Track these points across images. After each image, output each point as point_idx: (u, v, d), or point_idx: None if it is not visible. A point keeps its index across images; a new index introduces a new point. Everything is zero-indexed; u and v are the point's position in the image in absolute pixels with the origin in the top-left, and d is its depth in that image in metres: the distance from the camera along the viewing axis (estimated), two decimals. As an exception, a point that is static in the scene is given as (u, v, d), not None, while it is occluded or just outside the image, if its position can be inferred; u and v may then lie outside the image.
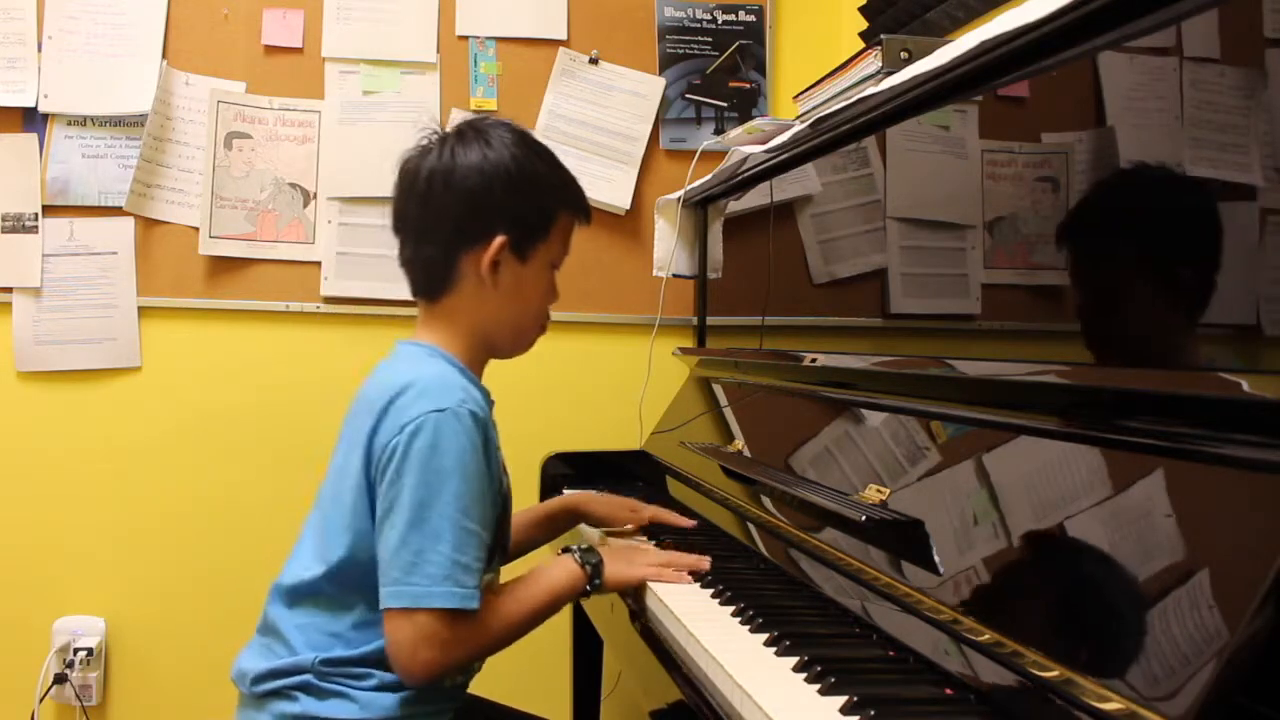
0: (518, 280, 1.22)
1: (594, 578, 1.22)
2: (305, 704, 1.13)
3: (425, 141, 1.24)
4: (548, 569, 1.24)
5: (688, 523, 1.53)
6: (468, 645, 1.11)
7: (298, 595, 1.18)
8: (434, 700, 1.19)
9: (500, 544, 1.26)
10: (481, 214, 1.20)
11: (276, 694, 1.15)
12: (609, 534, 1.56)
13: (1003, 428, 1.03)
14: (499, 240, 1.19)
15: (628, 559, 1.27)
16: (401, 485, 1.09)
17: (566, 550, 1.25)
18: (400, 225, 1.25)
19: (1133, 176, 0.94)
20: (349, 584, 1.15)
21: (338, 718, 1.12)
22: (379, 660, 1.14)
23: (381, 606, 1.09)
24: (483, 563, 1.12)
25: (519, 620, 1.17)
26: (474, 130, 1.23)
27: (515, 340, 1.28)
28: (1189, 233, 0.87)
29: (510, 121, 1.27)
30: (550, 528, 1.60)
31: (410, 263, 1.25)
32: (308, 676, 1.13)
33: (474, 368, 1.25)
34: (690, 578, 1.24)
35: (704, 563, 1.27)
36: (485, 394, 1.24)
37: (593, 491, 1.67)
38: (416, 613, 1.07)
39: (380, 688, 1.14)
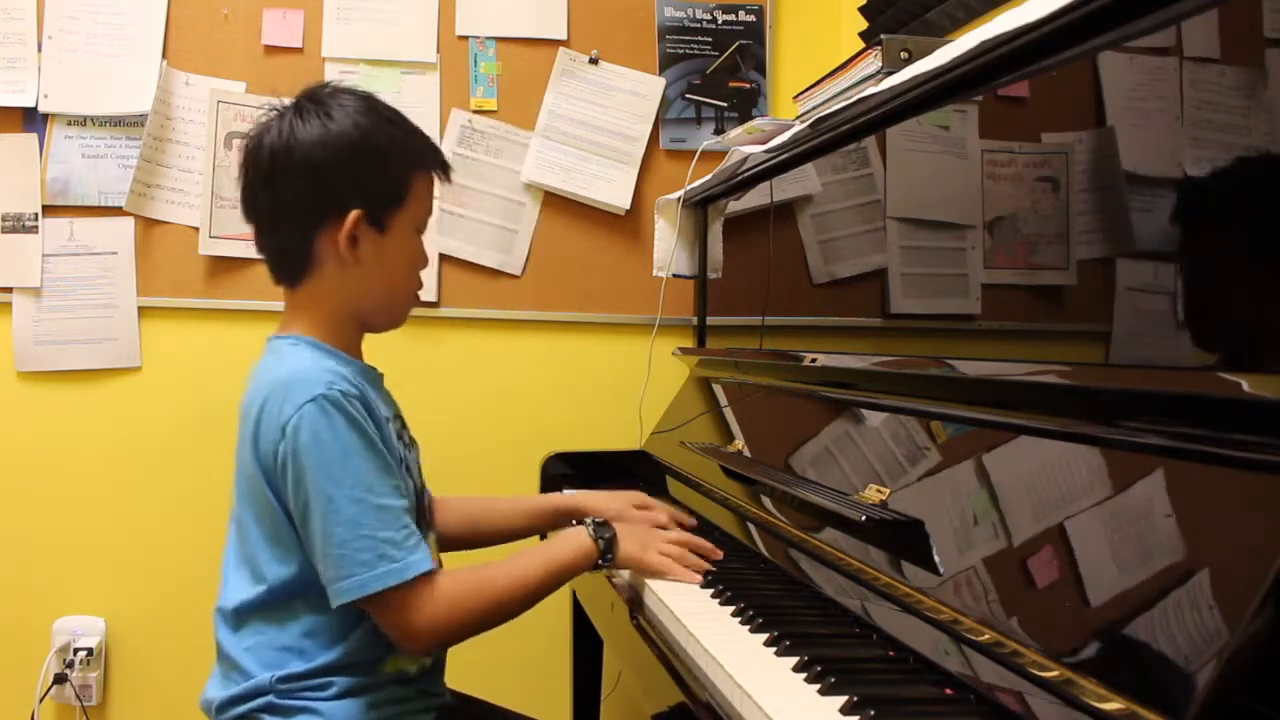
0: (380, 252, 1.17)
1: (606, 553, 1.20)
2: None
3: (264, 119, 1.18)
4: (558, 537, 1.23)
5: (688, 521, 1.53)
6: (455, 605, 1.09)
7: (241, 615, 1.15)
8: (403, 698, 1.17)
9: (420, 517, 1.22)
10: (330, 191, 1.14)
11: (241, 719, 1.13)
12: None
13: (1003, 428, 1.03)
14: (353, 215, 1.14)
15: (643, 541, 1.25)
16: (304, 486, 1.07)
17: (580, 522, 1.24)
18: (249, 211, 1.19)
19: (1132, 176, 0.94)
20: (289, 594, 1.12)
21: None
22: (336, 668, 1.12)
23: (333, 605, 1.08)
24: (410, 530, 1.09)
25: (525, 586, 1.15)
26: (312, 102, 1.17)
27: (388, 312, 1.24)
28: (1188, 233, 0.87)
29: (351, 86, 1.21)
30: (542, 524, 1.56)
31: (265, 249, 1.20)
32: (269, 698, 1.11)
33: (347, 347, 1.21)
34: (700, 577, 1.22)
35: (716, 552, 1.26)
36: (365, 369, 1.21)
37: (593, 491, 1.64)
38: (377, 600, 1.07)
39: (343, 694, 1.12)
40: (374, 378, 1.23)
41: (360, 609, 1.10)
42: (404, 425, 1.26)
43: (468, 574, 1.14)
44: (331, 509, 1.06)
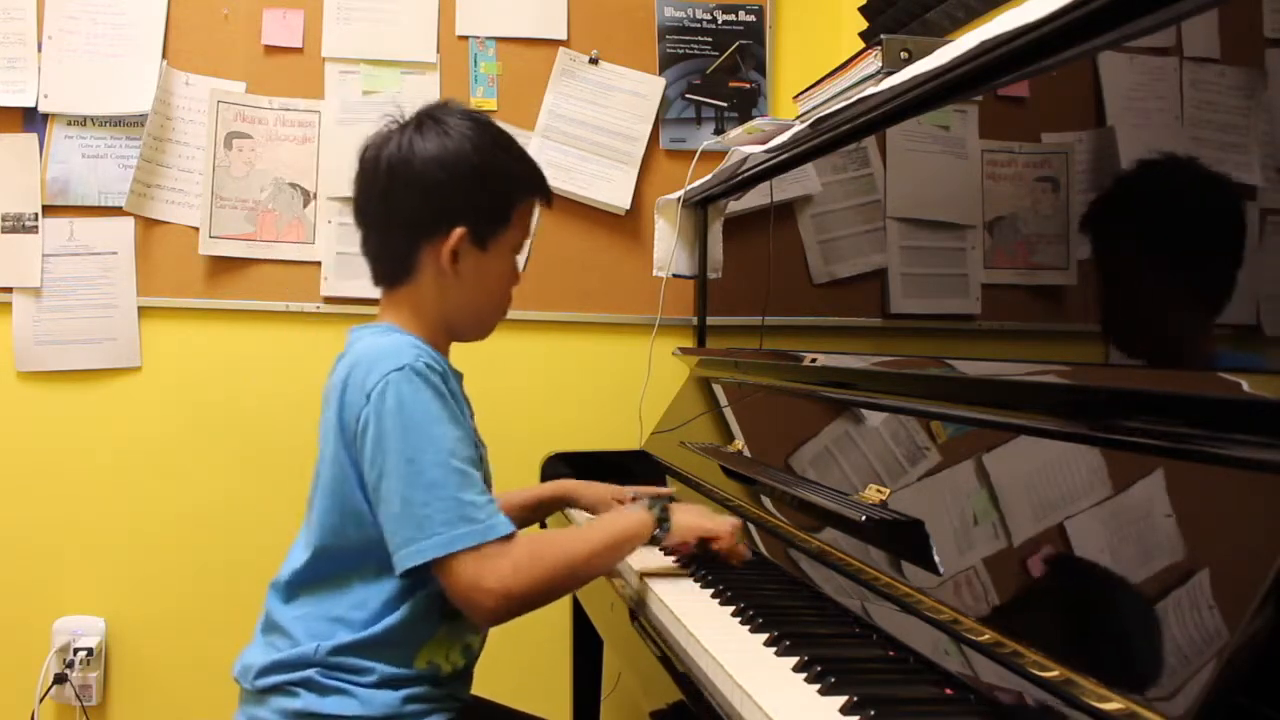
0: (479, 268, 1.23)
1: (662, 520, 1.23)
2: (306, 700, 1.13)
3: (385, 130, 1.24)
4: (615, 513, 1.27)
5: (666, 491, 1.58)
6: (532, 574, 1.10)
7: (293, 587, 1.18)
8: (434, 698, 1.19)
9: None
10: (441, 207, 1.20)
11: (278, 689, 1.15)
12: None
13: (1003, 428, 1.03)
14: (459, 232, 1.19)
15: (697, 512, 1.29)
16: (385, 450, 1.09)
17: (634, 499, 1.28)
18: (361, 217, 1.26)
19: (1132, 176, 0.94)
20: (341, 563, 1.15)
21: (338, 714, 1.12)
22: (383, 646, 1.14)
23: (400, 570, 1.09)
24: (488, 496, 1.12)
25: (589, 555, 1.16)
26: (432, 119, 1.22)
27: (477, 325, 1.29)
28: (1189, 233, 0.87)
29: (469, 108, 1.26)
30: (540, 511, 1.63)
31: (372, 253, 1.26)
32: (311, 672, 1.13)
33: (436, 347, 1.24)
34: (749, 554, 1.27)
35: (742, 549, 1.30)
36: (449, 365, 1.24)
37: (581, 481, 1.68)
38: (456, 558, 1.07)
39: (381, 684, 1.14)
40: (458, 378, 1.26)
41: (414, 582, 1.12)
42: (477, 427, 1.29)
43: (537, 541, 1.16)
44: (413, 471, 1.08)
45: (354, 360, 1.16)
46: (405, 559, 1.08)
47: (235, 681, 1.21)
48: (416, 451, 1.09)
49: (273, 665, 1.15)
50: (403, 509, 1.08)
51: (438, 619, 1.18)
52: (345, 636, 1.14)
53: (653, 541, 1.24)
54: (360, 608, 1.14)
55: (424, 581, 1.13)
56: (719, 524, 1.28)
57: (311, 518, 1.19)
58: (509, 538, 1.10)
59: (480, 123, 1.24)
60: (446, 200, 1.20)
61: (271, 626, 1.19)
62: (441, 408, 1.12)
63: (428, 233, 1.20)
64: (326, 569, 1.16)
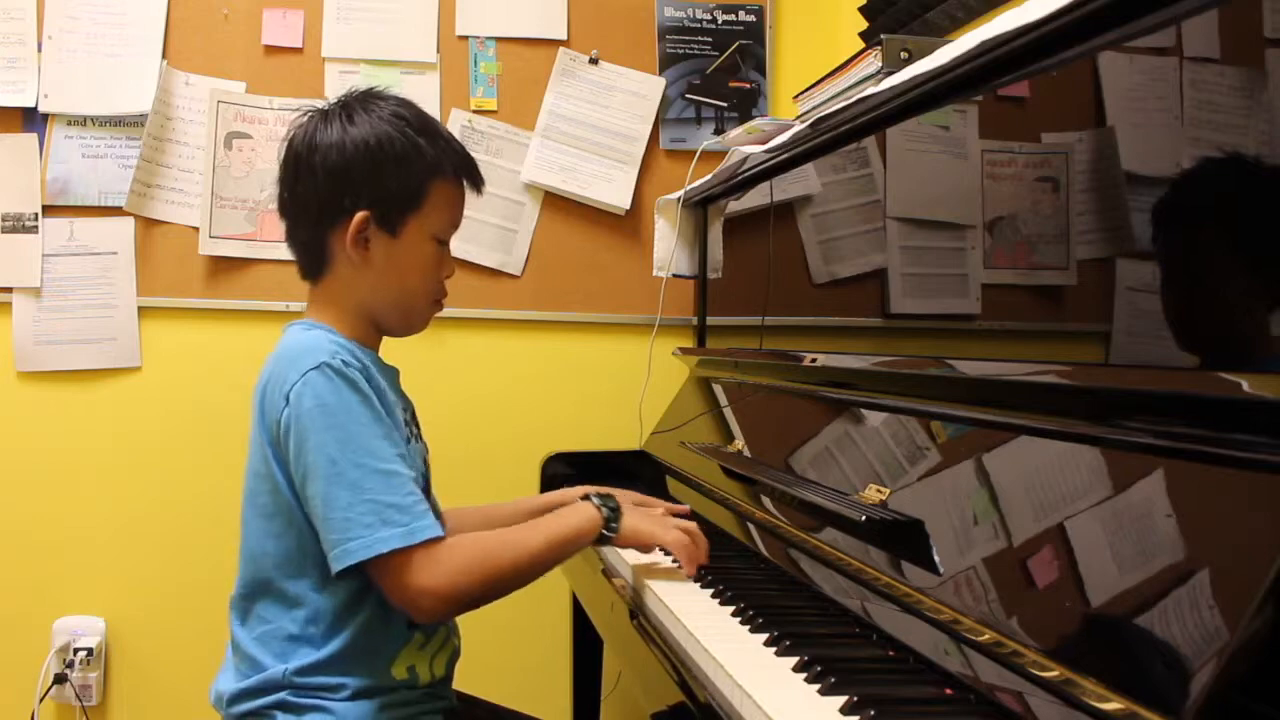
0: (390, 255, 1.20)
1: (610, 522, 1.21)
2: None
3: (299, 121, 1.23)
4: (563, 510, 1.24)
5: (683, 510, 1.55)
6: (463, 571, 1.08)
7: (245, 603, 1.16)
8: (413, 701, 1.17)
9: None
10: (341, 191, 1.18)
11: (253, 714, 1.13)
12: None
13: (1003, 428, 1.03)
14: (360, 215, 1.17)
15: (647, 514, 1.27)
16: (306, 450, 1.08)
17: (585, 497, 1.24)
18: (280, 208, 1.25)
19: (1132, 176, 0.94)
20: (289, 573, 1.13)
21: None
22: (350, 662, 1.12)
23: (334, 571, 1.07)
24: (416, 496, 1.09)
25: (528, 552, 1.14)
26: (341, 107, 1.21)
27: (402, 316, 1.25)
28: (1188, 232, 0.87)
29: (389, 93, 1.24)
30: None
31: (290, 244, 1.25)
32: (283, 694, 1.11)
33: (363, 342, 1.22)
34: (693, 570, 1.23)
35: (700, 556, 1.25)
36: (379, 363, 1.22)
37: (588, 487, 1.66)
38: (383, 563, 1.06)
39: (355, 696, 1.12)
40: (389, 374, 1.24)
41: (363, 585, 1.11)
42: (418, 426, 1.27)
43: (472, 540, 1.14)
44: (335, 472, 1.07)
45: (275, 360, 1.15)
46: (335, 560, 1.07)
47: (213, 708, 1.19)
48: (337, 451, 1.07)
49: (242, 693, 1.13)
50: (325, 510, 1.07)
51: (406, 624, 1.16)
52: (309, 655, 1.12)
53: (600, 541, 1.21)
54: (314, 622, 1.12)
55: (370, 584, 1.11)
56: (670, 537, 1.24)
57: (244, 529, 1.17)
58: (435, 540, 1.08)
59: (395, 105, 1.22)
60: (344, 184, 1.17)
61: (236, 648, 1.17)
62: (361, 405, 1.10)
63: (331, 219, 1.18)
64: (269, 577, 1.14)
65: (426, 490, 1.24)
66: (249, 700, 1.13)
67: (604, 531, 1.21)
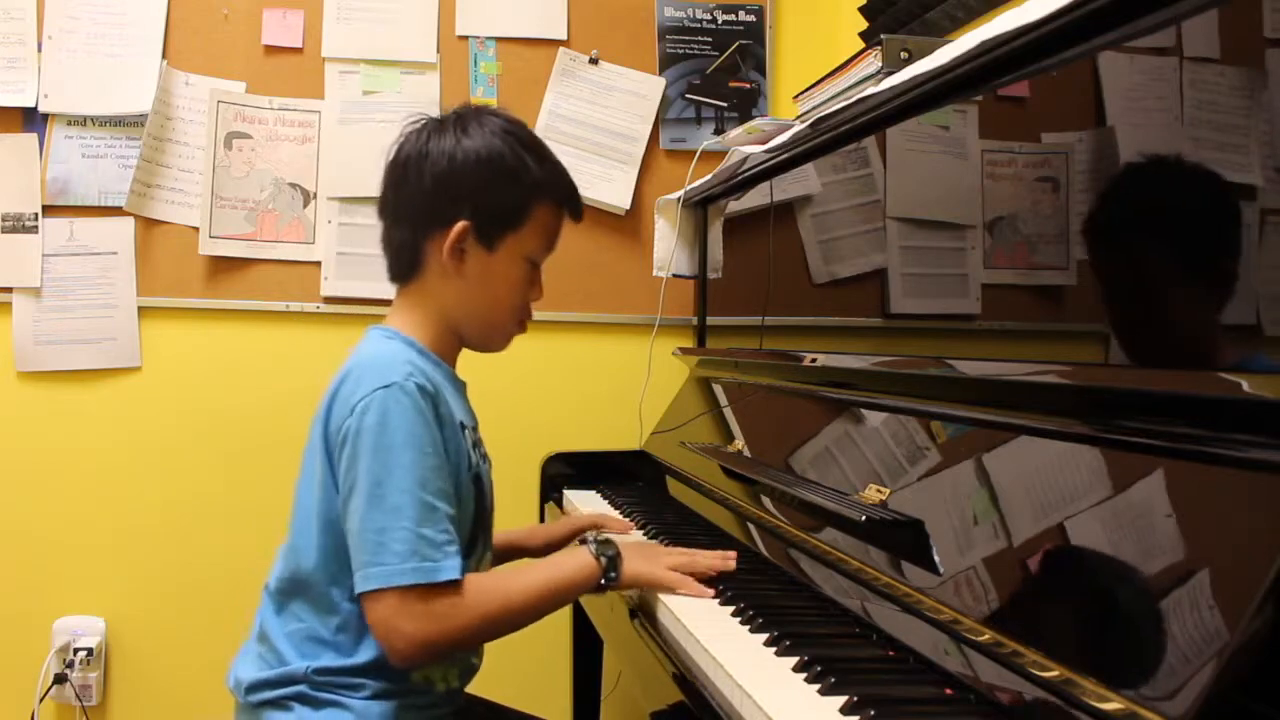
0: (484, 269, 1.21)
1: (609, 570, 1.17)
2: (300, 713, 1.12)
3: (412, 128, 1.25)
4: (558, 556, 1.22)
5: (625, 527, 1.51)
6: (452, 620, 1.07)
7: (283, 596, 1.17)
8: (429, 706, 1.18)
9: (481, 528, 1.23)
10: (446, 198, 1.19)
11: (271, 703, 1.14)
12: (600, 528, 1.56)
13: (1003, 428, 1.02)
14: (460, 225, 1.18)
15: (647, 555, 1.22)
16: (357, 466, 1.08)
17: (583, 542, 1.22)
18: (380, 208, 1.26)
19: (1132, 176, 0.94)
20: (329, 578, 1.13)
21: None
22: (372, 670, 1.13)
23: (355, 591, 1.07)
24: (450, 535, 1.08)
25: (517, 601, 1.12)
26: (457, 117, 1.23)
27: (485, 332, 1.27)
28: (1188, 233, 0.87)
29: (503, 111, 1.26)
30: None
31: (385, 245, 1.26)
32: (302, 687, 1.12)
33: (440, 351, 1.23)
34: (711, 591, 1.16)
35: (730, 560, 1.21)
36: (450, 375, 1.23)
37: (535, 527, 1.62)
38: (387, 593, 1.05)
39: (374, 696, 1.13)
40: (458, 385, 1.25)
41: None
42: (480, 439, 1.27)
43: (468, 586, 1.12)
44: (378, 494, 1.07)
45: (349, 368, 1.15)
46: (359, 581, 1.06)
47: (230, 692, 1.20)
48: (386, 473, 1.07)
49: (263, 682, 1.14)
50: (361, 529, 1.07)
51: None
52: (333, 661, 1.13)
53: (598, 589, 1.18)
54: (345, 630, 1.13)
55: None
56: (672, 580, 1.18)
57: (298, 523, 1.17)
58: (449, 582, 1.06)
59: (507, 123, 1.23)
60: (450, 192, 1.19)
61: (263, 637, 1.18)
62: (423, 432, 1.09)
63: (431, 225, 1.20)
64: (316, 580, 1.14)
65: (487, 510, 1.25)
66: (268, 690, 1.14)
67: (603, 580, 1.17)
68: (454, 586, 1.07)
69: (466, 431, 1.20)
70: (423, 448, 1.09)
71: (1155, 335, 0.91)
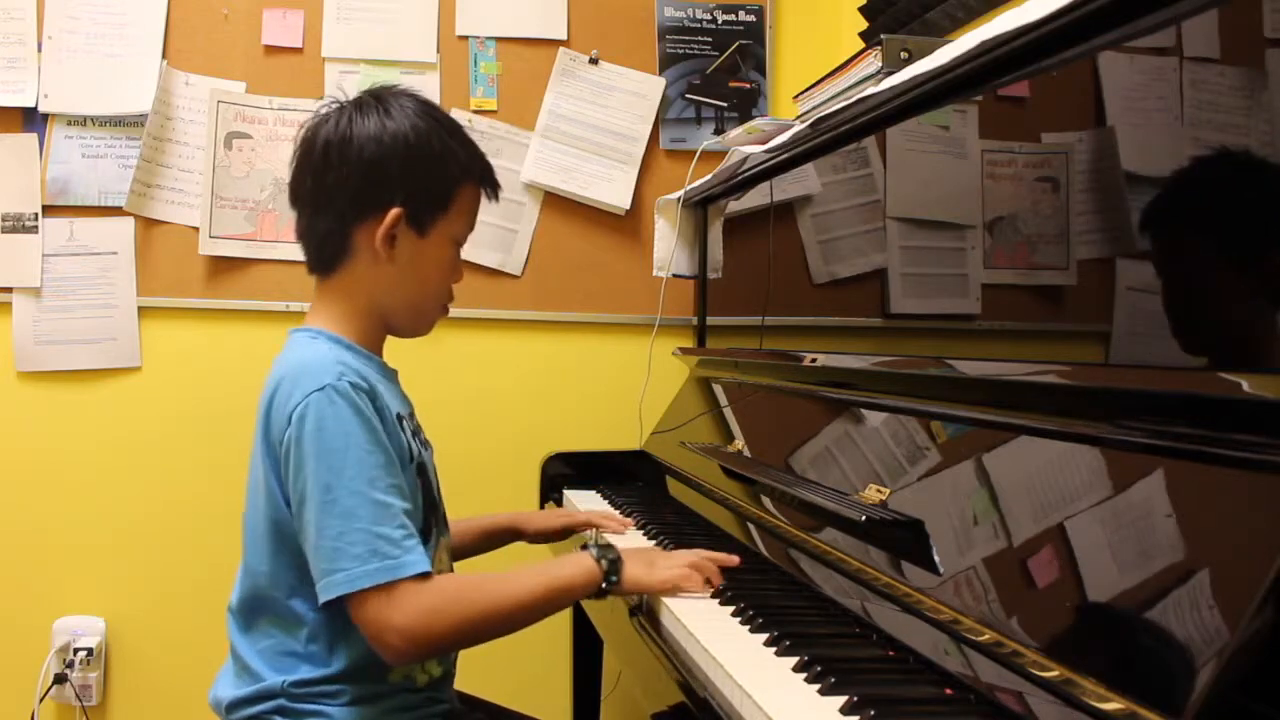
0: (415, 254, 1.19)
1: (610, 574, 1.15)
2: None
3: (324, 110, 1.21)
4: (558, 559, 1.20)
5: (622, 525, 1.51)
6: (442, 613, 1.06)
7: (246, 615, 1.15)
8: (413, 705, 1.17)
9: (432, 515, 1.21)
10: (378, 185, 1.16)
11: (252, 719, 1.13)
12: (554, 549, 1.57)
13: (1003, 428, 1.02)
14: (394, 212, 1.15)
15: (649, 560, 1.20)
16: (304, 474, 1.06)
17: (584, 547, 1.20)
18: (296, 197, 1.22)
19: (1132, 176, 0.94)
20: (288, 591, 1.12)
21: None
22: (349, 676, 1.11)
23: (320, 601, 1.06)
24: (407, 530, 1.07)
25: (512, 599, 1.11)
26: (374, 99, 1.20)
27: (414, 317, 1.24)
28: (1188, 233, 0.87)
29: (414, 91, 1.23)
30: (490, 542, 1.54)
31: (305, 236, 1.21)
32: (280, 700, 1.11)
33: (368, 343, 1.21)
34: (710, 588, 1.17)
35: (733, 559, 1.20)
36: (381, 366, 1.21)
37: (532, 511, 1.63)
38: (364, 595, 1.03)
39: (355, 702, 1.12)
40: (389, 375, 1.23)
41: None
42: (419, 426, 1.25)
43: (461, 582, 1.12)
44: (328, 499, 1.05)
45: (279, 377, 1.12)
46: (320, 591, 1.05)
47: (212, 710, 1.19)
48: (333, 477, 1.05)
49: (241, 700, 1.13)
50: (318, 538, 1.05)
51: None
52: (310, 672, 1.11)
53: (599, 594, 1.17)
54: (316, 640, 1.11)
55: None
56: (670, 575, 1.17)
57: (251, 538, 1.15)
58: (424, 576, 1.05)
59: (423, 105, 1.21)
60: (383, 179, 1.16)
61: (236, 657, 1.17)
62: (361, 430, 1.07)
63: (363, 213, 1.16)
64: (276, 596, 1.12)
65: (435, 496, 1.23)
66: (248, 707, 1.12)
67: (603, 585, 1.16)
68: (427, 579, 1.06)
69: (404, 421, 1.18)
70: (366, 446, 1.07)
71: (1155, 335, 0.91)
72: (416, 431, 1.23)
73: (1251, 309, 0.79)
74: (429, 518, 1.19)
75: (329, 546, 1.04)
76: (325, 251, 1.20)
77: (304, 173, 1.21)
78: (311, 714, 1.11)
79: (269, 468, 1.11)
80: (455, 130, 1.22)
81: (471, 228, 1.25)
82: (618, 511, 1.67)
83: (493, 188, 1.26)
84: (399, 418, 1.17)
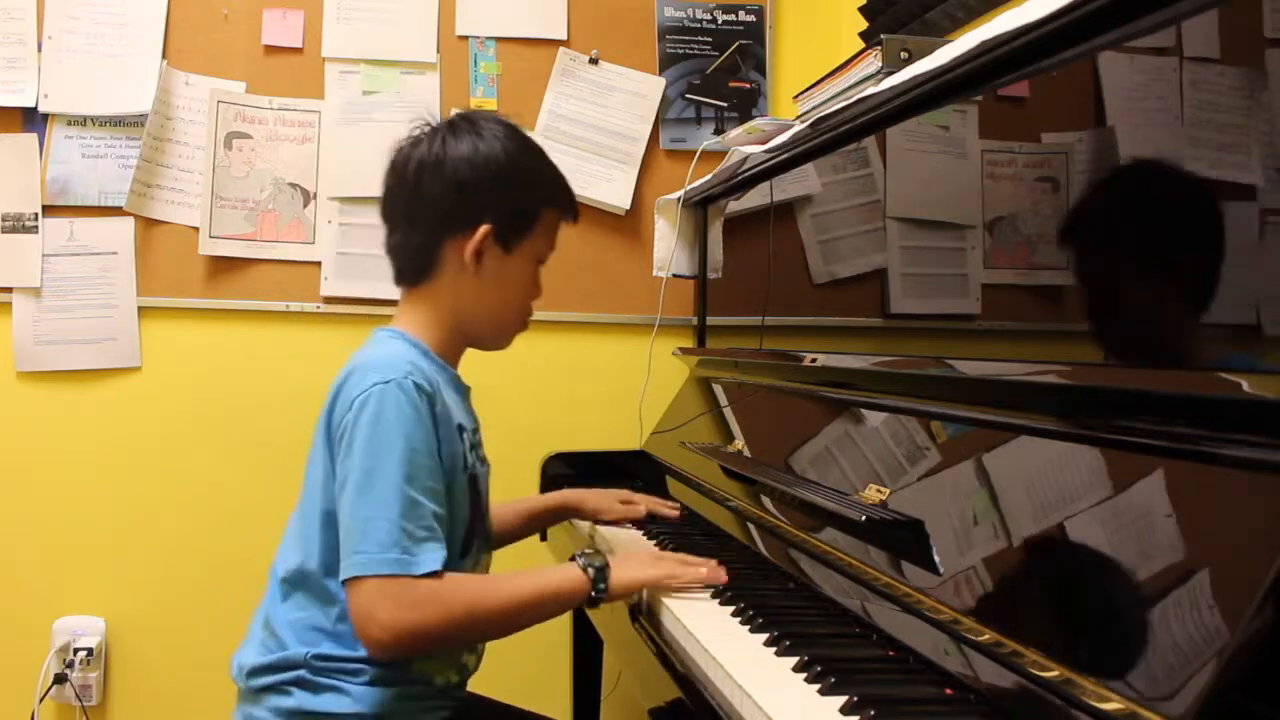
0: (500, 271, 1.25)
1: (598, 582, 1.17)
2: (300, 698, 1.14)
3: (417, 132, 1.26)
4: (549, 567, 1.22)
5: (674, 510, 1.58)
6: (427, 611, 1.07)
7: (288, 584, 1.19)
8: (427, 696, 1.19)
9: (477, 529, 1.24)
10: (469, 203, 1.22)
11: (272, 689, 1.16)
12: (598, 524, 1.57)
13: (1003, 428, 1.03)
14: (484, 229, 1.22)
15: (634, 561, 1.23)
16: (351, 456, 1.11)
17: (573, 557, 1.21)
18: (388, 213, 1.28)
19: (1132, 176, 0.94)
20: (325, 570, 1.15)
21: (331, 711, 1.13)
22: (371, 660, 1.14)
23: (341, 578, 1.09)
24: (432, 532, 1.10)
25: (498, 602, 1.13)
26: (467, 122, 1.25)
27: (495, 331, 1.30)
28: (1188, 233, 0.87)
29: (504, 117, 1.29)
30: (538, 523, 1.61)
31: (395, 249, 1.27)
32: (301, 672, 1.14)
33: (445, 353, 1.26)
34: (704, 578, 1.19)
35: (720, 574, 1.20)
36: (453, 378, 1.26)
37: (584, 489, 1.66)
38: (366, 580, 1.06)
39: (373, 683, 1.14)
40: (460, 389, 1.27)
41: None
42: (479, 442, 1.28)
43: (449, 583, 1.12)
44: (366, 483, 1.09)
45: (353, 366, 1.17)
46: (343, 569, 1.08)
47: (233, 681, 1.21)
48: (376, 464, 1.09)
49: (264, 667, 1.16)
50: (350, 519, 1.09)
51: None
52: (333, 649, 1.15)
53: (590, 603, 1.18)
54: (346, 620, 1.13)
55: None
56: (657, 571, 1.20)
57: (302, 512, 1.20)
58: (427, 575, 1.07)
59: (513, 128, 1.27)
60: (475, 197, 1.22)
61: (266, 623, 1.20)
62: (415, 429, 1.11)
63: (453, 229, 1.22)
64: (318, 571, 1.16)
65: (484, 509, 1.27)
66: (269, 675, 1.16)
67: (592, 593, 1.17)
68: (431, 579, 1.08)
69: (465, 434, 1.22)
70: (414, 443, 1.11)
71: (1155, 335, 0.91)
72: (475, 446, 1.26)
73: (1251, 309, 0.79)
74: (472, 532, 1.23)
75: (359, 528, 1.08)
76: (414, 264, 1.26)
77: (397, 190, 1.26)
78: (329, 688, 1.14)
79: (326, 449, 1.16)
80: (541, 155, 1.29)
81: (552, 248, 1.32)
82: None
83: (573, 212, 1.33)
84: (459, 428, 1.21)
